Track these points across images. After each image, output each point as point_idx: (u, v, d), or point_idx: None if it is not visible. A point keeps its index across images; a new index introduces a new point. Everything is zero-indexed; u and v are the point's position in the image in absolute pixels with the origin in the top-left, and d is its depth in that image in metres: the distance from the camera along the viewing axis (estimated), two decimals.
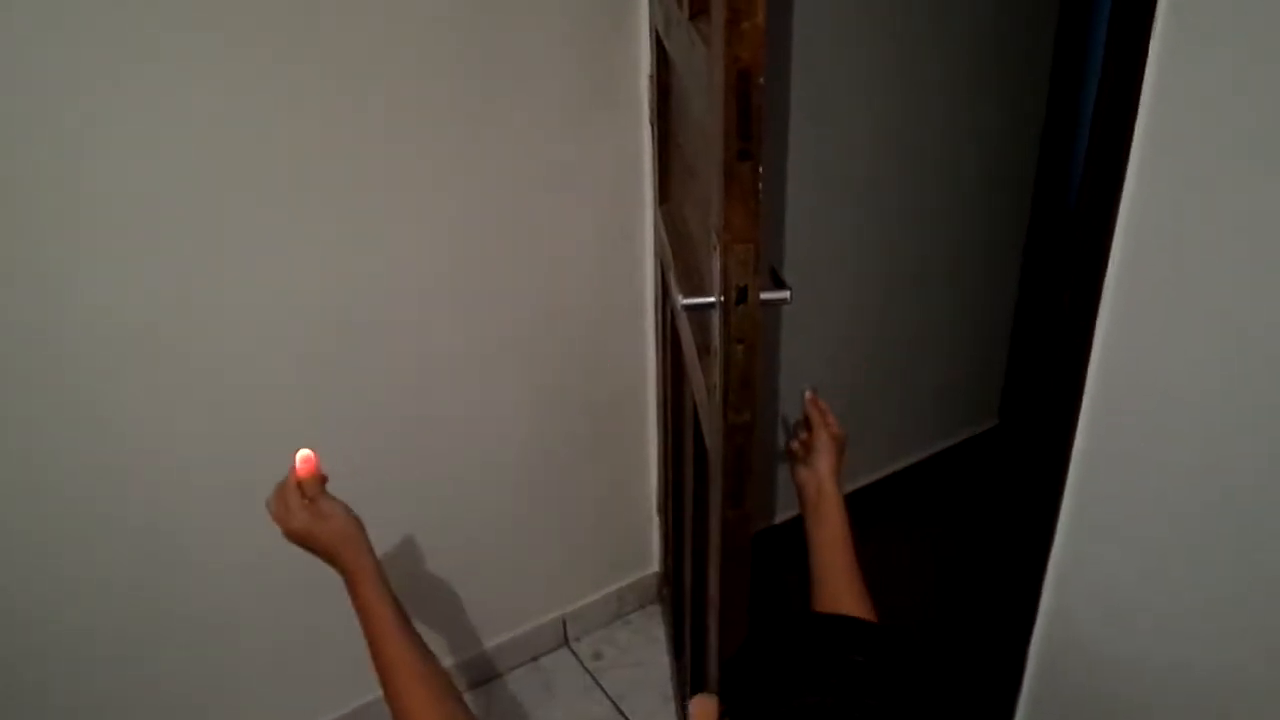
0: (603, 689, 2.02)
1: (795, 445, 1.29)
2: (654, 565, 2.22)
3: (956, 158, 2.32)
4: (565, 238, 1.76)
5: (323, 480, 1.14)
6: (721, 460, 1.06)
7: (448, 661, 1.98)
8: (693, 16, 1.12)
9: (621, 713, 1.96)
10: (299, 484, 1.12)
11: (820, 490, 1.20)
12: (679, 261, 1.42)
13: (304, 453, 1.13)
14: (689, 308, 1.05)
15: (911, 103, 2.16)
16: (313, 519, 1.10)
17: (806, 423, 1.27)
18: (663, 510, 2.10)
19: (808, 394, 1.28)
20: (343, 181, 1.50)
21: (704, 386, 1.17)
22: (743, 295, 0.96)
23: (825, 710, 0.69)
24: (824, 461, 1.22)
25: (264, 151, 1.42)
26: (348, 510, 1.13)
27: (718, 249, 0.96)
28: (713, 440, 1.12)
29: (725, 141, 0.89)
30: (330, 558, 1.11)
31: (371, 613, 1.08)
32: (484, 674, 2.04)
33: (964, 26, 2.18)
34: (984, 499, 2.52)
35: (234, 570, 1.65)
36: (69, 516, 1.47)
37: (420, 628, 1.87)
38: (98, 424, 1.44)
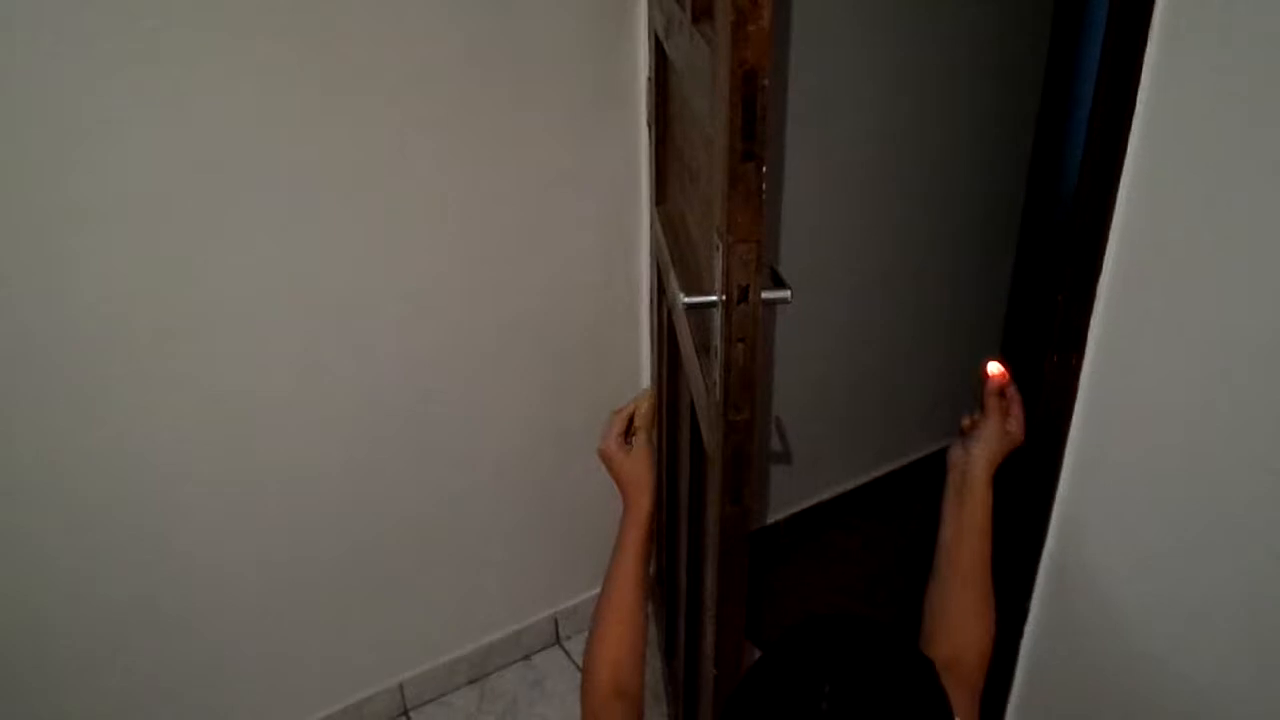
0: None
1: (966, 422, 1.20)
2: (650, 559, 2.23)
3: (950, 160, 2.34)
4: (563, 237, 1.77)
5: (653, 421, 1.26)
6: (720, 458, 1.07)
7: (441, 657, 1.99)
8: (696, 19, 1.13)
9: None
10: (633, 414, 1.24)
11: (967, 476, 1.13)
12: (677, 261, 1.43)
13: (649, 389, 1.29)
14: (690, 306, 1.06)
15: (906, 105, 2.18)
16: (619, 450, 1.22)
17: (983, 404, 1.18)
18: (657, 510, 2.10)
19: (996, 372, 1.17)
20: (342, 177, 1.51)
21: (703, 385, 1.18)
22: (744, 295, 0.97)
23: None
24: (983, 449, 1.13)
25: (270, 150, 1.43)
26: (650, 459, 1.23)
27: (720, 249, 0.97)
28: (711, 438, 1.13)
29: (730, 142, 0.91)
30: (618, 485, 1.23)
31: (621, 549, 1.18)
32: (476, 671, 2.05)
33: (959, 32, 2.20)
34: None
35: (231, 567, 1.65)
36: (66, 515, 1.47)
37: (413, 624, 1.90)
38: (95, 422, 1.44)
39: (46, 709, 1.56)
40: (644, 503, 1.20)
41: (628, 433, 1.24)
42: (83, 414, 1.43)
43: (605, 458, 1.23)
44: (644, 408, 1.25)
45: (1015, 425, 1.15)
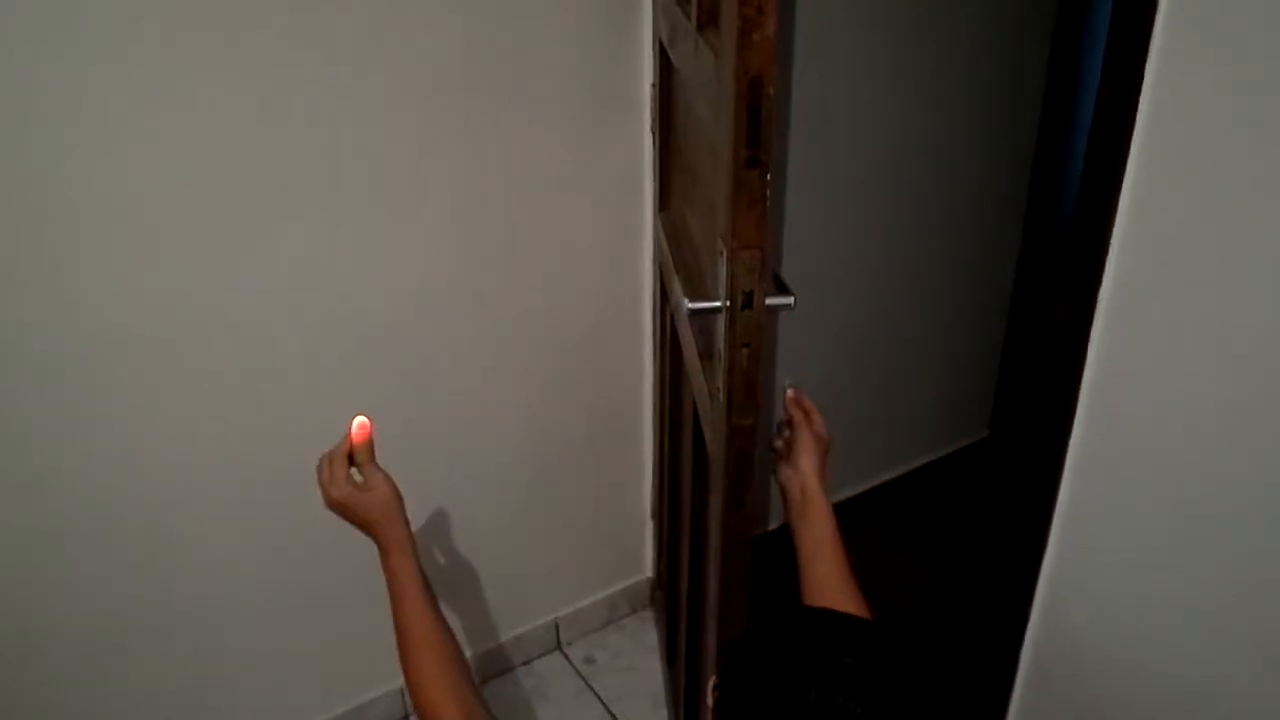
0: (595, 693, 2.03)
1: (779, 444, 1.24)
2: (647, 570, 2.23)
3: (951, 167, 2.35)
4: (566, 242, 1.78)
5: (371, 450, 1.16)
6: (724, 463, 1.07)
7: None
8: (701, 27, 1.14)
9: (613, 717, 1.97)
10: (350, 451, 1.14)
11: (804, 490, 1.15)
12: (680, 267, 1.44)
13: (360, 419, 1.15)
14: (694, 312, 1.07)
15: (907, 112, 2.19)
16: (354, 490, 1.12)
17: (789, 422, 1.22)
18: (657, 515, 2.11)
19: (789, 392, 1.22)
20: (350, 181, 1.52)
21: (706, 390, 1.19)
22: (749, 300, 0.98)
23: (814, 709, 0.71)
24: (807, 460, 1.16)
25: (273, 153, 1.43)
26: (390, 481, 1.15)
27: (725, 254, 0.98)
28: (715, 443, 1.14)
29: (734, 149, 0.91)
30: (366, 528, 1.13)
31: (398, 583, 1.11)
32: (476, 675, 2.05)
33: (960, 38, 2.21)
34: (974, 509, 2.54)
35: (232, 568, 1.65)
36: (68, 517, 1.47)
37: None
38: (99, 422, 1.44)
39: (50, 709, 1.56)
40: (399, 529, 1.12)
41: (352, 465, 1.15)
42: (86, 416, 1.43)
43: (339, 506, 1.12)
44: (354, 436, 1.14)
45: (820, 428, 1.20)
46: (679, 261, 1.48)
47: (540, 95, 1.63)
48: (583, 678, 2.07)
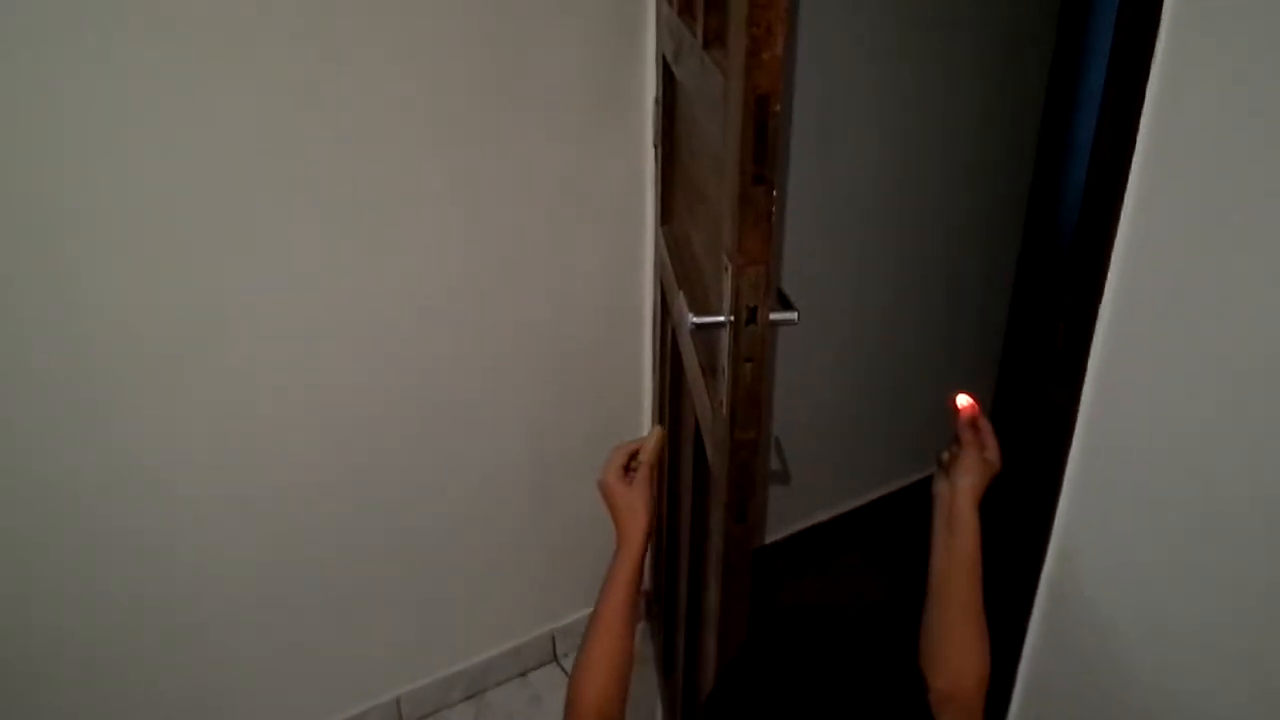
0: None
1: (945, 456, 1.21)
2: (644, 583, 2.23)
3: (951, 184, 2.36)
4: (568, 255, 1.79)
5: (658, 458, 1.25)
6: (726, 476, 1.08)
7: (438, 673, 1.99)
8: (707, 45, 1.15)
9: None
10: (636, 451, 1.24)
11: (954, 509, 1.14)
12: (683, 281, 1.45)
13: (659, 429, 1.28)
14: (698, 327, 1.07)
15: (907, 127, 2.21)
16: (618, 483, 1.21)
17: (959, 439, 1.20)
18: (655, 528, 2.11)
19: (965, 404, 1.19)
20: (354, 191, 1.53)
21: (709, 404, 1.20)
22: (752, 316, 0.99)
23: None
24: (966, 479, 1.15)
25: (279, 162, 1.45)
26: (650, 495, 1.22)
27: (729, 270, 0.99)
28: (717, 457, 1.15)
29: (741, 166, 0.92)
30: (615, 519, 1.22)
31: (611, 582, 1.18)
32: (473, 687, 2.05)
33: (963, 54, 2.23)
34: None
35: (229, 576, 1.65)
36: (71, 519, 1.47)
37: (410, 638, 1.90)
38: (99, 425, 1.45)
39: (52, 712, 1.57)
40: (638, 536, 1.19)
41: (629, 467, 1.23)
42: (87, 419, 1.44)
43: (604, 489, 1.23)
44: (650, 444, 1.24)
45: (992, 454, 1.18)
46: (681, 275, 1.49)
47: (543, 109, 1.65)
48: None
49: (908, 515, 2.59)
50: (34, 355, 1.36)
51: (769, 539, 2.35)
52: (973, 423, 1.19)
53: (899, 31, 2.10)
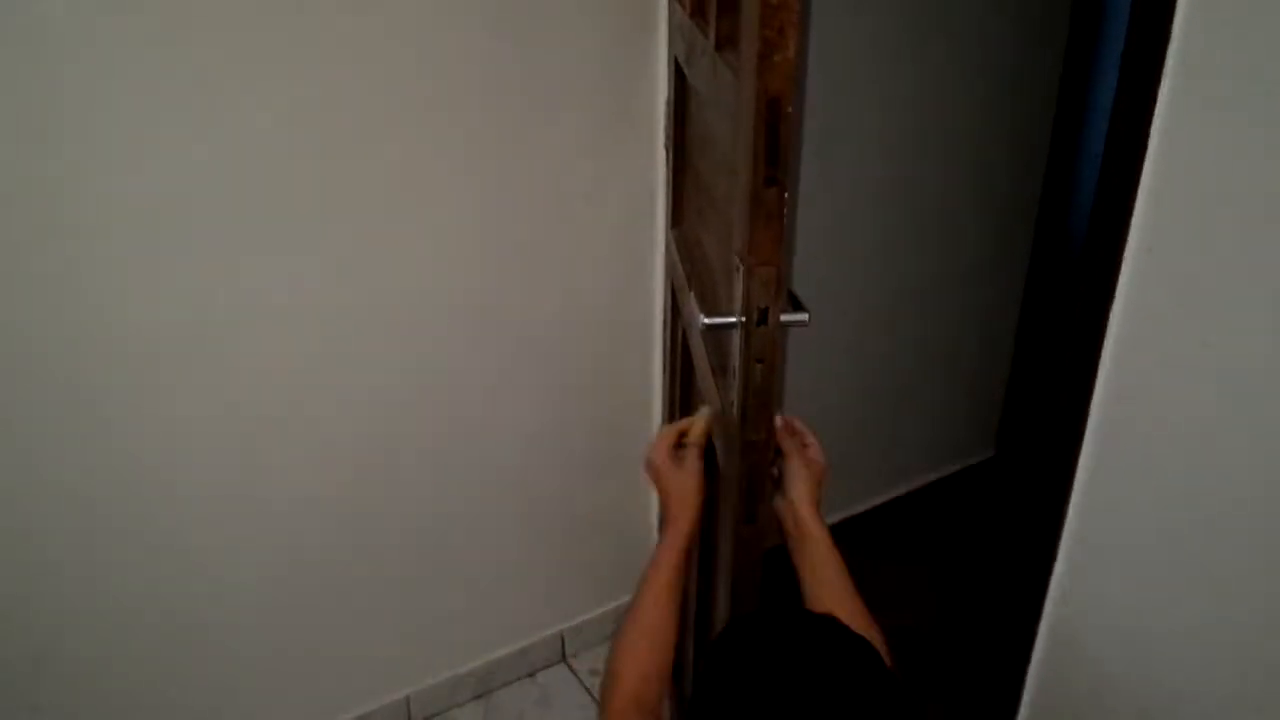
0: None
1: (775, 472, 1.22)
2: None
3: (961, 184, 2.36)
4: (577, 256, 1.79)
5: (705, 440, 1.22)
6: (736, 477, 1.09)
7: (447, 673, 1.99)
8: (719, 47, 1.15)
9: None
10: (684, 431, 1.22)
11: (797, 520, 1.15)
12: (693, 282, 1.46)
13: (707, 410, 1.24)
14: (709, 328, 1.08)
15: (916, 129, 2.21)
16: (668, 463, 1.19)
17: (778, 451, 1.20)
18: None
19: (777, 420, 1.19)
20: (365, 192, 1.53)
21: (719, 405, 1.20)
22: (764, 317, 0.99)
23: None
24: (798, 489, 1.16)
25: (290, 162, 1.46)
26: (699, 476, 1.19)
27: (741, 271, 0.99)
28: (727, 458, 1.15)
29: (753, 168, 0.93)
30: (664, 501, 1.19)
31: (657, 564, 1.14)
32: (481, 687, 2.05)
33: (974, 52, 2.22)
34: (978, 529, 2.54)
35: (236, 577, 1.66)
36: (75, 517, 1.48)
37: (419, 638, 1.91)
38: (101, 423, 1.46)
39: (54, 710, 1.57)
40: (687, 520, 1.16)
41: (679, 444, 1.21)
42: (89, 417, 1.44)
43: (653, 469, 1.19)
44: (699, 424, 1.22)
45: (814, 453, 1.19)
46: (692, 277, 1.49)
47: (555, 110, 1.65)
48: (588, 690, 2.07)
49: (917, 518, 2.60)
50: (40, 351, 1.37)
51: (778, 541, 2.34)
52: (789, 428, 1.20)
53: (909, 32, 2.10)
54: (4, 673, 1.52)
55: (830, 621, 0.83)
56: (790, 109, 0.90)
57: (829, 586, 1.12)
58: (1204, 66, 0.92)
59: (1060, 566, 1.20)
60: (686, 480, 1.17)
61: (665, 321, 1.92)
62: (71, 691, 1.58)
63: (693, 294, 1.34)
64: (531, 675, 2.11)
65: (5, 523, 1.43)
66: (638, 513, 2.13)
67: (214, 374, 1.52)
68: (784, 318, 1.01)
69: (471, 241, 1.67)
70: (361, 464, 1.72)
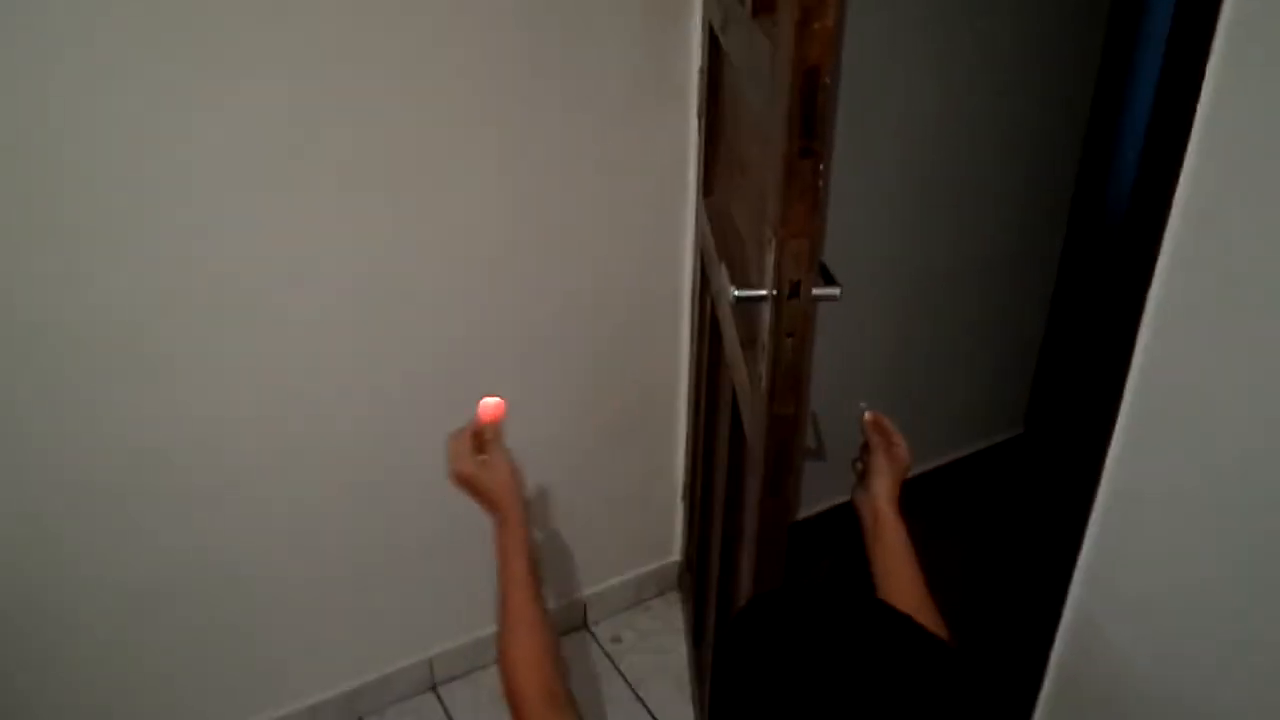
0: (620, 673, 2.05)
1: (858, 465, 1.25)
2: (676, 553, 2.25)
3: (995, 159, 2.32)
4: (609, 225, 1.78)
5: (500, 431, 1.21)
6: (763, 450, 1.08)
7: (465, 637, 2.01)
8: (756, 14, 1.13)
9: (638, 697, 1.99)
10: (479, 430, 1.20)
11: (877, 516, 1.17)
12: (724, 254, 1.44)
13: (491, 400, 1.21)
14: (739, 300, 1.07)
15: (948, 102, 2.17)
16: (478, 467, 1.18)
17: (866, 444, 1.24)
18: (688, 499, 2.12)
19: (867, 415, 1.23)
20: (399, 161, 1.53)
21: (747, 378, 1.19)
22: (795, 290, 0.98)
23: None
24: (881, 484, 1.18)
25: (326, 130, 1.45)
26: (512, 464, 1.19)
27: (773, 243, 0.98)
28: (754, 431, 1.15)
29: (788, 139, 0.91)
30: (485, 503, 1.18)
31: (508, 561, 1.15)
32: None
33: (1009, 27, 2.18)
34: (1005, 507, 2.53)
35: (264, 538, 1.69)
36: (115, 469, 1.51)
37: (444, 599, 1.93)
38: (147, 375, 1.48)
39: (91, 660, 1.61)
40: (517, 510, 1.17)
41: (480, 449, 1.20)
42: (135, 367, 1.46)
43: (465, 481, 1.18)
44: (482, 418, 1.20)
45: (900, 451, 1.21)
46: (722, 248, 1.48)
47: (587, 78, 1.64)
48: (609, 657, 2.09)
49: (944, 495, 2.58)
50: (86, 303, 1.39)
51: (803, 514, 2.35)
52: (878, 425, 1.23)
53: (948, 2, 2.06)
54: (46, 622, 1.55)
55: (872, 599, 0.81)
56: (828, 79, 0.89)
57: (896, 578, 1.12)
58: (1261, 28, 0.89)
59: (1087, 547, 1.19)
60: (500, 475, 1.17)
61: (694, 293, 1.91)
62: (108, 642, 1.61)
63: (723, 265, 1.33)
64: None
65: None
66: (662, 482, 2.14)
67: (255, 334, 1.53)
68: (815, 291, 1.00)
69: (500, 210, 1.66)
70: (391, 431, 1.73)
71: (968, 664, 0.73)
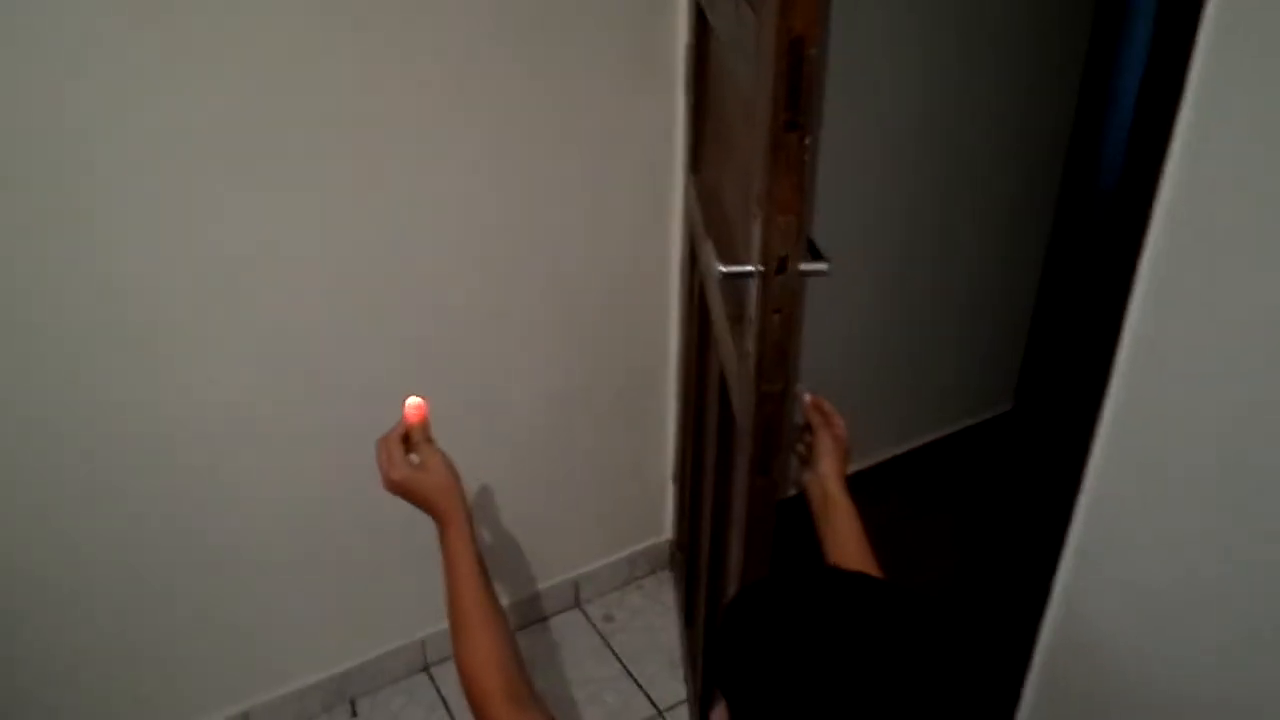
0: (612, 651, 2.05)
1: (801, 449, 1.27)
2: (667, 532, 2.25)
3: (983, 133, 2.31)
4: (596, 201, 1.77)
5: (426, 432, 1.17)
6: (751, 428, 1.07)
7: None
8: None
9: (630, 674, 2.00)
10: (406, 432, 1.16)
11: (826, 495, 1.18)
12: (711, 230, 1.43)
13: (415, 400, 1.17)
14: (726, 276, 1.06)
15: (936, 78, 2.15)
16: (413, 470, 1.13)
17: (808, 426, 1.25)
18: (678, 478, 2.12)
19: (807, 398, 1.24)
20: (381, 139, 1.51)
21: (735, 355, 1.18)
22: (782, 265, 0.97)
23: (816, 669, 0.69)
24: (827, 464, 1.19)
25: (307, 108, 1.43)
26: (446, 461, 1.15)
27: (759, 218, 0.97)
28: (742, 408, 1.14)
29: (773, 111, 0.90)
30: (425, 507, 1.14)
31: (454, 561, 1.12)
32: None
33: (996, 12, 2.16)
34: (994, 483, 2.54)
35: (259, 520, 1.68)
36: (120, 453, 1.50)
37: (435, 581, 1.92)
38: (158, 360, 1.47)
39: (98, 642, 1.62)
40: (459, 509, 1.13)
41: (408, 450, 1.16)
42: (150, 353, 1.46)
43: (401, 487, 1.13)
44: (413, 419, 1.16)
45: (840, 431, 1.22)
46: (710, 224, 1.46)
47: (572, 54, 1.62)
48: (601, 635, 2.10)
49: (934, 471, 2.59)
50: (92, 290, 1.38)
51: (793, 492, 2.34)
52: (818, 407, 1.24)
53: None
54: (53, 602, 1.55)
55: (862, 575, 0.80)
56: (814, 50, 0.87)
57: (846, 552, 1.13)
58: (1248, 4, 0.88)
59: (1076, 523, 1.19)
60: (438, 476, 1.13)
61: (682, 269, 1.89)
62: (112, 618, 1.61)
63: (710, 241, 1.32)
64: (543, 620, 2.13)
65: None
66: (651, 461, 2.14)
67: (255, 317, 1.52)
68: (803, 267, 0.99)
69: (484, 188, 1.64)
70: (375, 409, 1.71)
71: (961, 617, 0.76)
